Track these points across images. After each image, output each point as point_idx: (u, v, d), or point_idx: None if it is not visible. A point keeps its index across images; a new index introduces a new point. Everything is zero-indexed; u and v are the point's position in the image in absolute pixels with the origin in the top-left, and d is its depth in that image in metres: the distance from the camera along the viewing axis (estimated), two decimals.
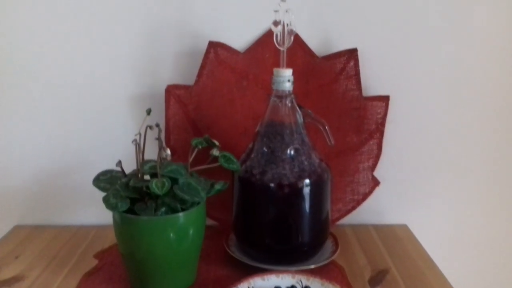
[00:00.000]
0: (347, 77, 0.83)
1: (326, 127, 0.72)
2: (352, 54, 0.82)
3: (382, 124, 0.84)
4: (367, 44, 0.82)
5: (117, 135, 0.84)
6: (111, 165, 0.68)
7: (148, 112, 0.67)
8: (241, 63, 0.79)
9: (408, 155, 0.86)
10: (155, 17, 0.81)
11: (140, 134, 0.66)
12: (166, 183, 0.60)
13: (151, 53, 0.82)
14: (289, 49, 0.70)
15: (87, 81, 0.83)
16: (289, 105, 0.72)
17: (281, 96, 0.71)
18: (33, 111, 0.84)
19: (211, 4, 0.81)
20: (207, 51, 0.80)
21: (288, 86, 0.71)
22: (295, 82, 0.71)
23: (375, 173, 0.84)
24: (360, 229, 0.85)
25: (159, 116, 0.81)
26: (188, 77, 0.81)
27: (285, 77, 0.70)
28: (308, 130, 0.73)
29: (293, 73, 0.71)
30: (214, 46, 0.80)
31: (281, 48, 0.71)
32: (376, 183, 0.85)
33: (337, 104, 0.81)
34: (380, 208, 0.89)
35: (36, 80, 0.83)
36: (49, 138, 0.85)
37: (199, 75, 0.81)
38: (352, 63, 0.82)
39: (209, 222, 0.77)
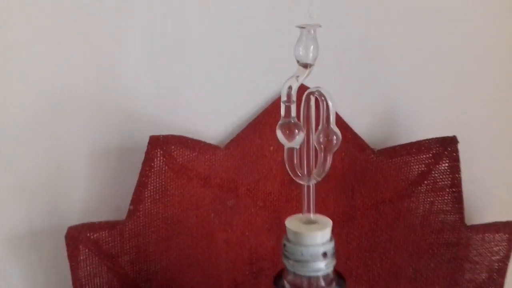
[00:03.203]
0: (434, 188, 0.46)
1: None
2: (446, 146, 0.44)
3: (501, 272, 0.48)
4: (465, 133, 0.44)
5: None
6: None
7: None
8: (222, 167, 0.45)
9: None
10: (50, 85, 0.42)
11: None
12: None
13: (40, 161, 0.43)
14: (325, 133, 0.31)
15: None
16: None
17: None
18: None
19: (159, 62, 0.43)
20: (150, 155, 0.42)
21: (323, 267, 0.30)
22: (328, 195, 0.42)
23: None
24: None
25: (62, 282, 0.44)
26: (114, 205, 0.44)
27: (316, 249, 0.30)
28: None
29: (327, 182, 0.41)
30: (163, 144, 0.42)
31: (303, 183, 0.29)
32: None
33: (411, 236, 0.47)
34: None
35: None
36: None
37: (137, 199, 0.42)
38: (446, 163, 0.45)
39: None
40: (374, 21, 0.45)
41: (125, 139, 0.44)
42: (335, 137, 0.28)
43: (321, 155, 0.29)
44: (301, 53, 0.27)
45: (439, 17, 0.47)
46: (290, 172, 0.29)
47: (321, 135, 0.28)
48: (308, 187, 0.30)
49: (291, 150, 0.29)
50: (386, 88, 0.46)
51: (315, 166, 0.29)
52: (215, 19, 0.43)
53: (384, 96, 0.46)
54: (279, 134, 0.28)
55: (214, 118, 0.44)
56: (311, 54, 0.27)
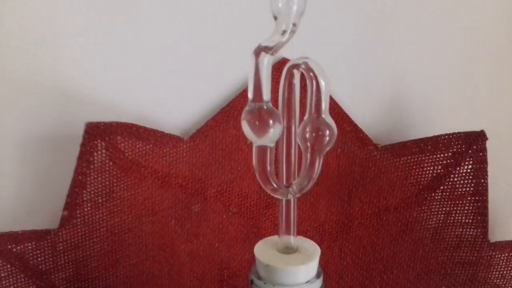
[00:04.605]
0: (451, 195, 0.39)
1: None
2: (470, 144, 0.37)
3: None
4: (490, 128, 0.37)
5: None
6: None
7: None
8: (185, 163, 0.38)
9: None
10: None
11: None
12: None
13: None
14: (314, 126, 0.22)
15: None
16: None
17: None
18: None
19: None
20: (87, 147, 0.34)
21: None
22: (319, 200, 0.37)
23: None
24: None
25: None
26: (48, 209, 0.37)
27: None
28: None
29: (319, 184, 0.35)
30: (105, 134, 0.35)
31: (279, 197, 0.20)
32: None
33: (419, 252, 0.41)
34: None
35: None
36: None
37: (73, 202, 0.35)
38: (470, 165, 0.38)
39: None
40: None
41: (63, 125, 0.36)
42: (328, 131, 0.19)
43: (306, 158, 0.20)
44: (280, 4, 0.18)
45: None
46: (260, 182, 0.20)
47: (307, 129, 0.20)
48: (288, 201, 0.21)
49: (262, 149, 0.20)
50: (396, 68, 0.39)
51: (298, 174, 0.20)
52: None
53: (393, 78, 0.39)
54: (245, 126, 0.19)
55: (175, 102, 0.37)
56: (295, 6, 0.18)
